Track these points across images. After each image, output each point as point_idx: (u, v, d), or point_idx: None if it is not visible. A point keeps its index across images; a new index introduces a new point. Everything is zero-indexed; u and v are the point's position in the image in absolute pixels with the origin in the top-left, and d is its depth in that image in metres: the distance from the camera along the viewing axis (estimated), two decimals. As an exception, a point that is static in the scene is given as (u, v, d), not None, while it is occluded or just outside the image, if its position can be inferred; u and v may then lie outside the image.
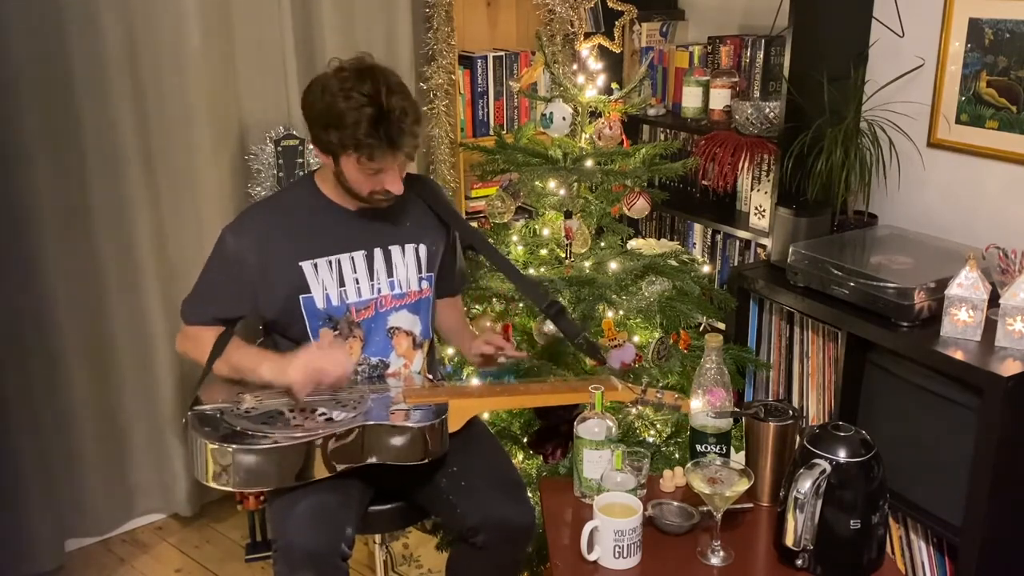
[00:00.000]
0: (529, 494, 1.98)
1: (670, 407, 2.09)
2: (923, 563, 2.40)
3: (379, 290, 2.00)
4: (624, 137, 2.57)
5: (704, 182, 3.23)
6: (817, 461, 1.54)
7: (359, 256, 1.98)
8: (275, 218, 1.97)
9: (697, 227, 3.25)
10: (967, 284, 2.18)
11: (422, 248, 2.05)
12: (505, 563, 1.94)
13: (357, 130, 1.79)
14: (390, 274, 2.01)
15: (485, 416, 2.34)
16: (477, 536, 1.86)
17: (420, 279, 2.05)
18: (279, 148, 2.69)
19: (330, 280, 1.95)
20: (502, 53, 3.23)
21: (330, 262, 1.95)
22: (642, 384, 2.10)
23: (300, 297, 1.94)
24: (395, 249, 2.02)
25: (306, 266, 1.94)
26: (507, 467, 2.02)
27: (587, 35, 2.74)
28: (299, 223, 1.96)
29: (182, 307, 2.02)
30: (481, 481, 1.91)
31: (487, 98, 3.23)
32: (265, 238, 1.93)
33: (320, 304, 1.95)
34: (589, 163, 2.49)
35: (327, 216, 1.98)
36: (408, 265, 2.03)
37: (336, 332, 1.96)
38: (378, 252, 2.00)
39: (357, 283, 1.98)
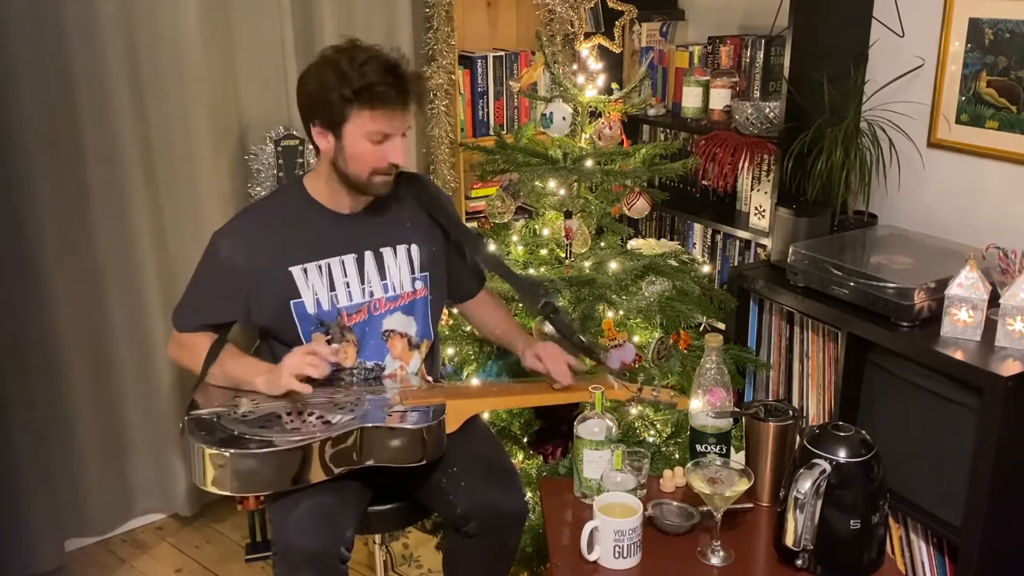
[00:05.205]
0: (523, 482, 1.97)
1: (666, 404, 2.09)
2: (923, 563, 2.39)
3: (371, 293, 1.98)
4: (624, 137, 2.57)
5: (704, 182, 3.24)
6: (817, 461, 1.54)
7: (350, 260, 1.96)
8: (265, 223, 1.95)
9: (697, 227, 3.25)
10: (967, 284, 2.18)
11: (415, 248, 2.03)
12: (497, 550, 1.94)
13: (366, 77, 1.76)
14: (383, 277, 1.99)
15: (485, 416, 2.33)
16: (468, 524, 1.86)
17: (413, 280, 2.03)
18: (279, 148, 2.69)
19: (320, 285, 1.94)
20: (502, 53, 3.23)
21: (320, 267, 1.94)
22: (638, 382, 2.11)
23: (291, 302, 1.92)
24: (387, 251, 2.00)
25: (296, 271, 1.92)
26: (497, 455, 2.01)
27: (587, 35, 2.73)
28: (289, 228, 1.94)
29: (173, 314, 2.01)
30: (472, 470, 1.91)
31: (487, 98, 3.22)
32: (255, 243, 1.92)
33: (311, 309, 1.93)
34: (589, 163, 2.48)
35: (317, 220, 1.96)
36: (401, 266, 2.01)
37: (328, 337, 1.94)
38: (369, 255, 1.98)
39: (348, 287, 1.96)
